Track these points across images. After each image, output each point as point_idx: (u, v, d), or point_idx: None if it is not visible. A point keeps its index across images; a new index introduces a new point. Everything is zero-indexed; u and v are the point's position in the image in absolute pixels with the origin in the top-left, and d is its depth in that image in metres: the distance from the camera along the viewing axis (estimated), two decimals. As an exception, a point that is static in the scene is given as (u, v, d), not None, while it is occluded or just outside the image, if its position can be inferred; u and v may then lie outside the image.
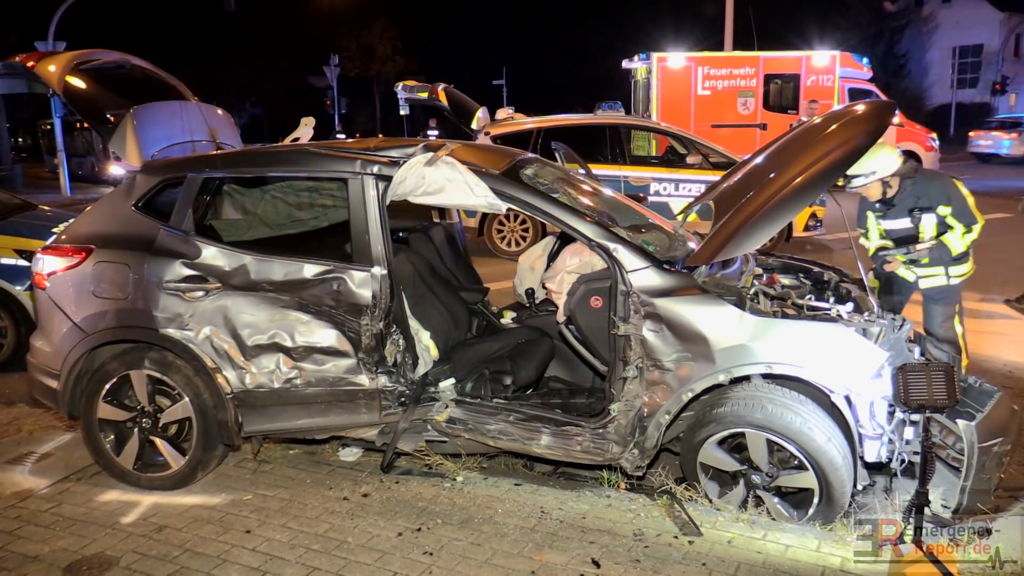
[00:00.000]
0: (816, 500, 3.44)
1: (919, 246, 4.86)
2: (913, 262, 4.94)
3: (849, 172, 4.79)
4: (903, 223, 4.93)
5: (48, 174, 26.15)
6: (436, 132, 23.02)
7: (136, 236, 4.03)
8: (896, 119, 16.11)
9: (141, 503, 3.92)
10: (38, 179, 26.20)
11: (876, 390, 3.31)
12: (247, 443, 4.28)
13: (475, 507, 3.75)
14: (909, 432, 3.35)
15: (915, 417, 3.30)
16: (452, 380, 4.08)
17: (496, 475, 4.13)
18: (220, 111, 5.24)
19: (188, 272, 3.91)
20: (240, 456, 4.37)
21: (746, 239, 3.49)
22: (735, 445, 3.60)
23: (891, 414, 3.34)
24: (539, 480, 4.12)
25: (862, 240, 5.13)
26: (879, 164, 4.74)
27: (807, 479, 3.43)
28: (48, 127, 25.32)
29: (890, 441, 3.34)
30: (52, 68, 4.40)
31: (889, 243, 5.00)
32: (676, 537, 3.42)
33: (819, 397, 3.48)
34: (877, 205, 4.95)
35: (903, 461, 3.38)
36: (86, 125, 18.50)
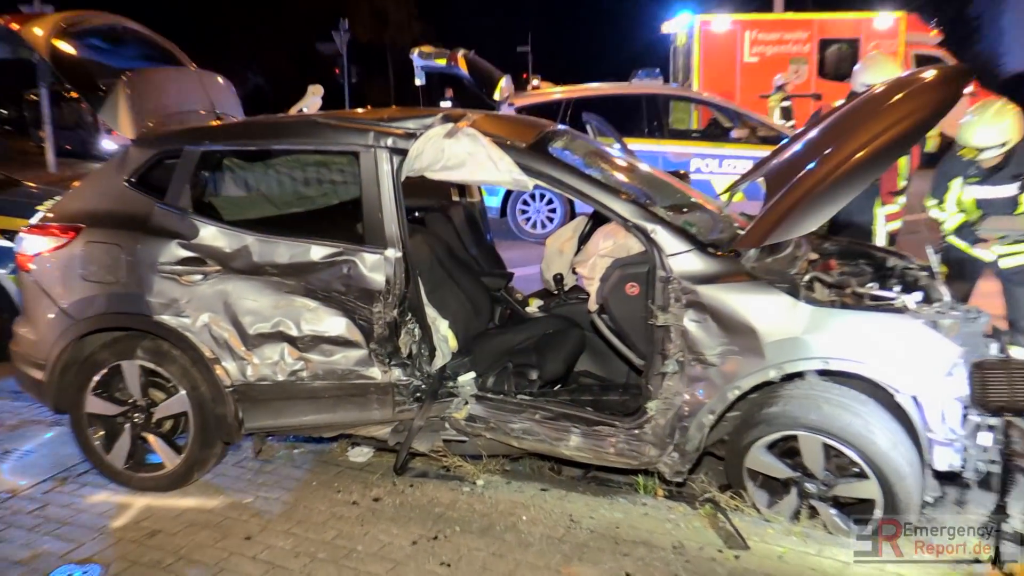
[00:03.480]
0: (879, 512, 3.38)
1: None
2: (1018, 242, 4.82)
3: (978, 144, 4.76)
4: (1006, 191, 4.83)
5: (34, 148, 26.40)
6: (452, 103, 22.98)
7: (129, 214, 4.04)
8: (969, 87, 15.84)
9: (132, 505, 3.95)
10: (23, 154, 26.47)
11: (948, 390, 3.24)
12: (248, 441, 4.30)
13: (497, 514, 3.74)
14: (986, 438, 3.28)
15: (993, 421, 3.24)
16: (472, 374, 4.06)
17: (520, 479, 4.12)
18: (220, 79, 5.24)
19: (185, 254, 3.92)
20: (240, 455, 4.38)
21: (800, 221, 3.44)
22: (787, 449, 3.55)
23: (965, 417, 3.27)
24: (567, 485, 4.11)
25: (933, 212, 5.03)
26: (1009, 132, 4.70)
27: (868, 489, 3.37)
28: (34, 97, 25.54)
29: (964, 448, 3.28)
30: (38, 31, 4.41)
31: (971, 215, 4.88)
32: (720, 551, 3.39)
33: (883, 397, 3.42)
34: (972, 171, 4.85)
35: (978, 471, 3.32)
36: (75, 95, 18.63)
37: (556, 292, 5.02)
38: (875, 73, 5.40)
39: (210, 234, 3.94)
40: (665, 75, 17.84)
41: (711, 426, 3.57)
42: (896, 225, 5.69)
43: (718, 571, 3.25)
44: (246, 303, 3.87)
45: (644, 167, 4.79)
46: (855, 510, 3.50)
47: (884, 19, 15.59)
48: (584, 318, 4.53)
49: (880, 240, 5.48)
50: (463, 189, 5.48)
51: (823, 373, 3.48)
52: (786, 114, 12.19)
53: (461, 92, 22.01)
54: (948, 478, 3.50)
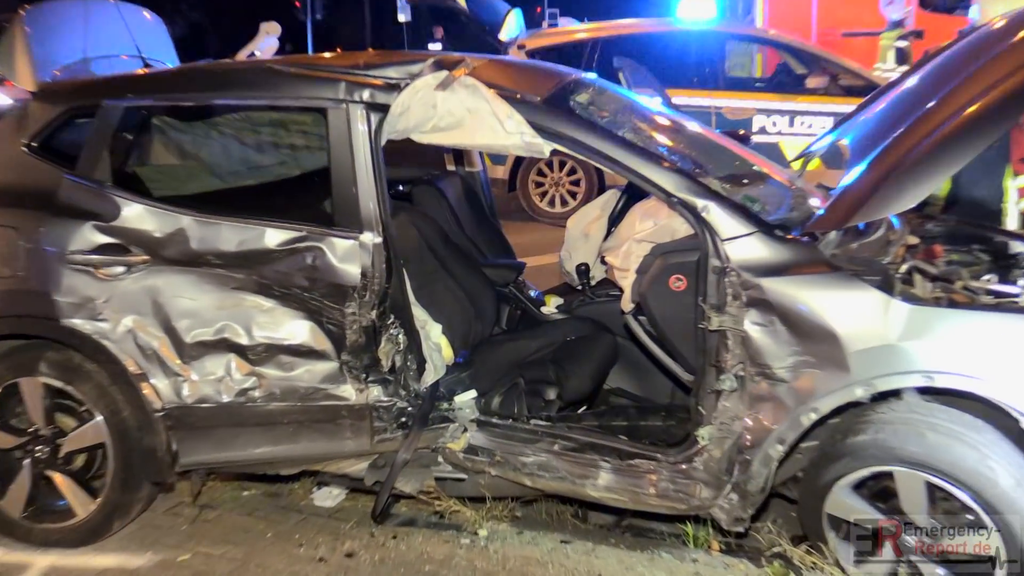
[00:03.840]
0: (1001, 572, 3.37)
1: None
2: None
3: None
4: None
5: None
6: (442, 45, 22.96)
7: (29, 188, 4.06)
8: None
9: (33, 565, 3.96)
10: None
11: (1090, 413, 3.23)
12: (184, 480, 4.30)
13: (505, 573, 3.74)
14: None
15: None
16: (473, 393, 4.08)
17: (534, 528, 4.13)
18: (147, 14, 5.25)
19: (103, 239, 3.93)
20: (174, 499, 4.39)
21: (894, 195, 3.42)
22: (879, 490, 3.54)
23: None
24: (595, 536, 4.11)
25: None
26: None
27: (988, 541, 3.36)
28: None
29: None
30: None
31: None
32: (792, 620, 3.39)
33: (1005, 423, 3.40)
34: None
35: None
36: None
37: (580, 287, 5.01)
38: (996, 3, 5.36)
39: (135, 214, 3.94)
40: (720, 8, 17.82)
41: (780, 459, 3.55)
42: None
43: (790, 647, 3.25)
44: (182, 303, 3.87)
45: (693, 127, 4.78)
46: (971, 568, 3.48)
47: (1004, -68, 15.51)
48: (616, 320, 4.52)
49: (1012, 221, 5.44)
50: (460, 156, 5.47)
51: (925, 391, 3.46)
52: (902, 57, 12.10)
53: (456, 32, 21.99)
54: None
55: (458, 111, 3.72)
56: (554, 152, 3.78)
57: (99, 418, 3.96)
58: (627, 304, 4.03)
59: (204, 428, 3.94)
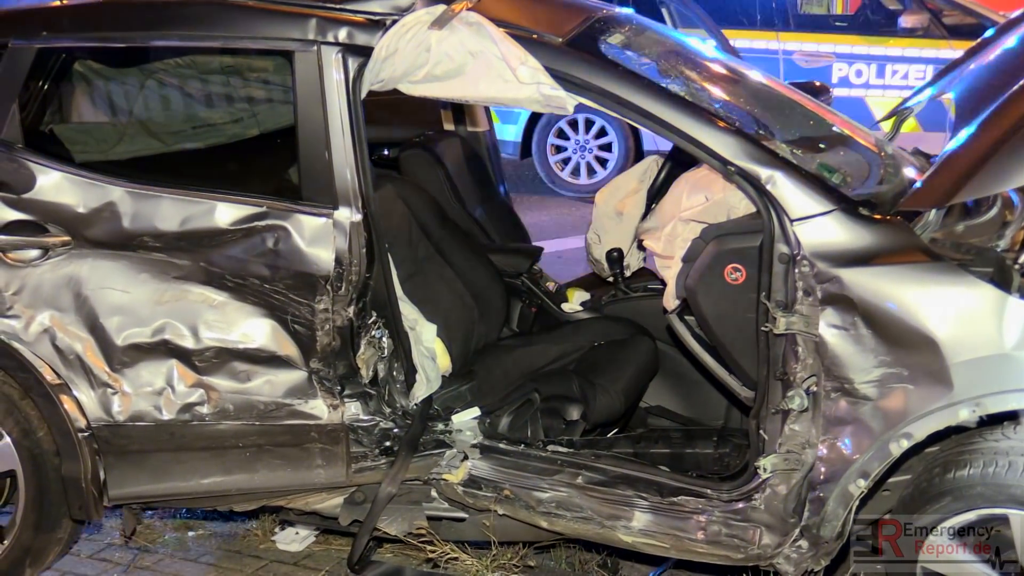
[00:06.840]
0: None
1: None
2: None
3: None
4: None
5: None
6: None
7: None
8: None
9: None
10: None
11: None
12: (115, 517, 4.30)
13: (514, 638, 3.74)
14: None
15: None
16: (475, 411, 4.09)
17: (552, 581, 4.12)
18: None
19: (13, 216, 3.94)
20: (102, 539, 4.39)
21: (1013, 164, 3.39)
22: (990, 539, 3.51)
23: None
24: (629, 593, 4.11)
25: None
26: None
27: None
28: None
29: None
30: None
31: None
32: None
33: None
34: None
35: None
36: None
37: (611, 279, 5.00)
38: None
39: (53, 184, 3.95)
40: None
41: (862, 498, 3.54)
42: None
43: None
44: (112, 296, 3.88)
45: (756, 77, 4.76)
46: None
47: None
48: (656, 321, 4.52)
49: None
50: (461, 112, 5.46)
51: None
52: None
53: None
54: None
55: (458, 55, 3.68)
56: (579, 107, 3.77)
57: (6, 440, 3.97)
58: (670, 301, 4.01)
59: (139, 452, 3.94)
